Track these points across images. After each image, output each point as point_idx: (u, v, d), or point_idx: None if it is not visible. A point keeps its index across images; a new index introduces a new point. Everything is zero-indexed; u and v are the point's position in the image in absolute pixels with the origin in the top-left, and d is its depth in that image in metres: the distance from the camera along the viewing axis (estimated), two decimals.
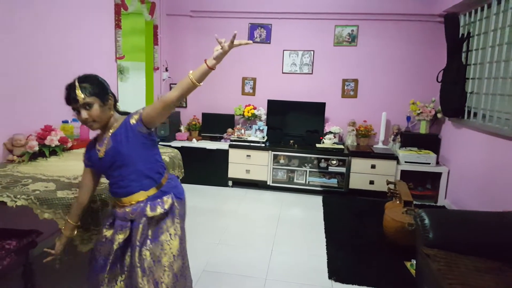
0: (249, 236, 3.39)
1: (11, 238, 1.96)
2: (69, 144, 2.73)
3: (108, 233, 1.68)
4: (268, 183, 4.69)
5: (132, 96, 4.99)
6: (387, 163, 4.40)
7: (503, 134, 3.17)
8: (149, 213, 1.59)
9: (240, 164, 4.70)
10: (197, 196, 4.44)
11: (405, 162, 4.35)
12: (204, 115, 5.12)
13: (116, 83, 3.96)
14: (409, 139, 4.58)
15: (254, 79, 5.09)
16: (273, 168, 4.67)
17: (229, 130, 5.01)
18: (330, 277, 2.70)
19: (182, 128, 5.17)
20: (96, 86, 1.57)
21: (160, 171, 1.67)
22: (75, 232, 1.74)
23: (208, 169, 4.79)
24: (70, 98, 1.54)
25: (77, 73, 1.62)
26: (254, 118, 5.01)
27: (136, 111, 1.61)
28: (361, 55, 4.81)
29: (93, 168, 1.70)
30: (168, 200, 1.64)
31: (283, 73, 5.01)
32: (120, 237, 1.61)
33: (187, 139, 5.00)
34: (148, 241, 1.59)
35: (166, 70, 5.11)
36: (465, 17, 4.08)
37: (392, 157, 4.39)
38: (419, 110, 4.55)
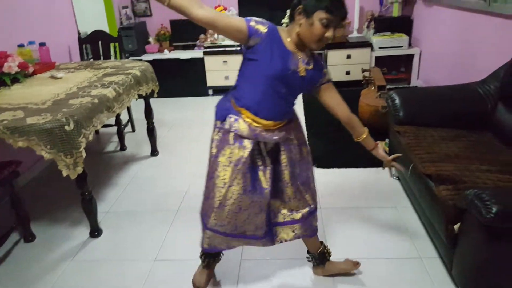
0: None
1: None
2: (31, 69, 2.59)
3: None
4: None
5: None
6: (362, 51, 4.36)
7: (475, 8, 3.07)
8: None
9: (217, 71, 4.57)
10: (179, 108, 4.41)
11: (379, 48, 4.32)
12: (173, 22, 4.80)
13: None
14: (382, 24, 4.48)
15: None
16: None
17: (202, 36, 4.77)
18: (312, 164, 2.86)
19: (151, 39, 4.91)
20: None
21: None
22: None
23: (186, 80, 4.66)
24: (340, 7, 1.28)
25: None
26: None
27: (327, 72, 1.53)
28: None
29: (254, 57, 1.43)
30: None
31: None
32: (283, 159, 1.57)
33: (158, 51, 4.78)
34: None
35: None
36: None
37: (367, 44, 4.34)
38: None
